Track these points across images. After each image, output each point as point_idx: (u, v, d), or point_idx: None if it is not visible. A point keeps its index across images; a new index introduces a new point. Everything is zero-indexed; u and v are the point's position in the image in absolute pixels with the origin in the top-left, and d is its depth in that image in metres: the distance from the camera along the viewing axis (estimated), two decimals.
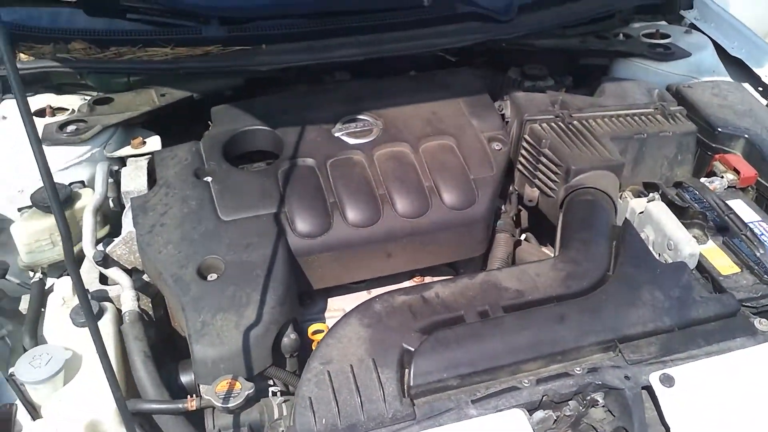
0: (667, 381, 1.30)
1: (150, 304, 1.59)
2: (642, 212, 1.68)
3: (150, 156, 1.74)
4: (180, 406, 1.27)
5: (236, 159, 1.74)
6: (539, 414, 1.27)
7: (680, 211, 1.65)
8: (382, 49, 1.93)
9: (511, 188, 1.86)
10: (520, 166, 1.87)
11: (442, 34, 1.99)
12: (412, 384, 1.27)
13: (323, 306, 1.65)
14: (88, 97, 1.89)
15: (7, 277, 1.56)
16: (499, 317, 1.37)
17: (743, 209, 1.70)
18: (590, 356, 1.36)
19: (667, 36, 2.25)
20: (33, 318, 1.45)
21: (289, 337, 1.41)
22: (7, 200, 1.66)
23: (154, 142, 1.83)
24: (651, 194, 1.72)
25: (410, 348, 1.31)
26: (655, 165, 1.86)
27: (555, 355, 1.34)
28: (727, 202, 1.70)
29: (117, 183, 1.70)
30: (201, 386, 1.32)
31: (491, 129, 1.80)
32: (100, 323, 1.38)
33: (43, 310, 1.49)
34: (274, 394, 1.35)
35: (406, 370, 1.29)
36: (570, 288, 1.44)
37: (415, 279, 1.70)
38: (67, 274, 1.59)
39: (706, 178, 1.83)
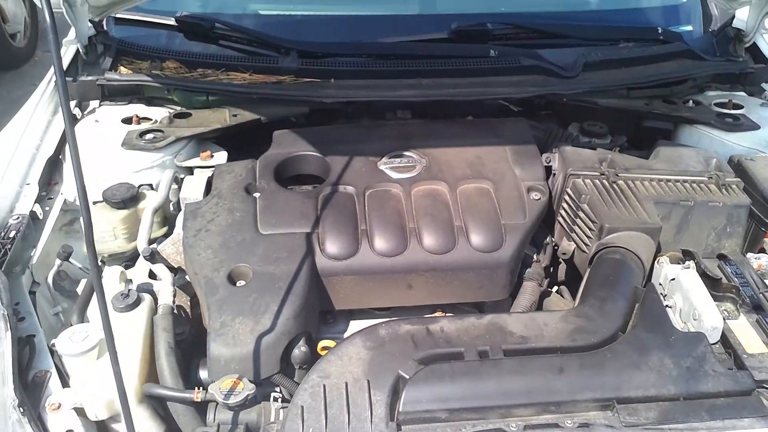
0: None
1: (189, 303, 1.73)
2: (674, 279, 1.65)
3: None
4: (187, 395, 1.38)
5: (288, 180, 1.88)
6: None
7: (713, 283, 1.61)
8: (441, 93, 2.02)
9: (548, 239, 1.88)
10: (560, 219, 1.89)
11: (503, 83, 2.07)
12: (401, 410, 1.32)
13: (344, 327, 1.73)
14: (173, 111, 2.11)
15: (71, 260, 1.75)
16: (497, 359, 1.40)
17: None
18: (585, 412, 1.35)
19: (740, 107, 2.20)
20: (83, 300, 1.62)
21: (300, 350, 1.50)
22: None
23: (221, 157, 2.01)
24: (687, 262, 1.69)
25: (405, 375, 1.37)
26: (701, 234, 1.82)
27: (548, 405, 1.34)
28: (766, 280, 1.64)
29: (180, 189, 1.88)
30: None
31: (532, 179, 1.84)
32: (135, 311, 1.54)
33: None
34: (276, 399, 1.44)
35: (399, 397, 1.35)
36: (576, 342, 1.44)
37: (436, 314, 1.75)
38: (123, 265, 1.77)
39: (752, 254, 1.77)
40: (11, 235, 1.67)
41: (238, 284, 1.57)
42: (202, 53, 2.16)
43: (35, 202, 1.79)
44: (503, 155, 1.89)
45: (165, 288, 1.62)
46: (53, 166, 1.97)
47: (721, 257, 1.75)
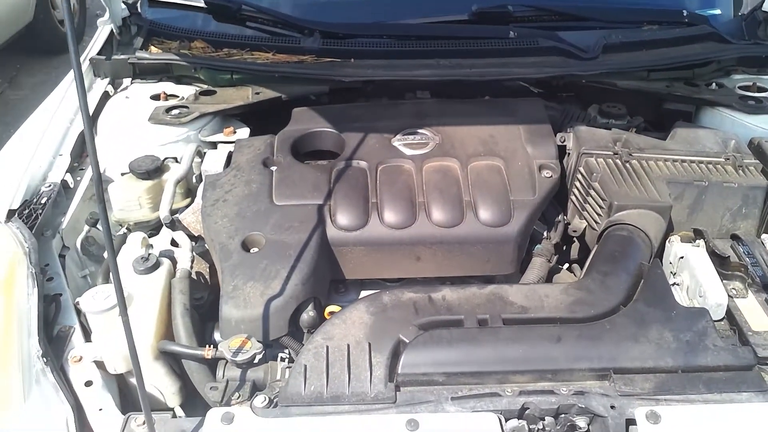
0: (653, 417, 1.28)
1: (208, 270, 1.81)
2: (683, 257, 1.66)
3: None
4: (198, 352, 1.46)
5: (305, 155, 1.94)
6: (513, 422, 1.31)
7: (722, 262, 1.61)
8: (458, 72, 2.05)
9: (559, 217, 1.89)
10: (572, 197, 1.90)
11: (521, 64, 2.08)
12: (399, 372, 1.37)
13: (355, 296, 1.77)
14: (199, 89, 2.19)
15: (98, 227, 1.85)
16: (496, 327, 1.44)
17: None
18: (582, 381, 1.37)
19: (764, 90, 2.17)
20: (107, 263, 1.71)
21: (308, 314, 1.56)
22: (114, 164, 1.97)
23: (243, 133, 2.09)
24: (697, 241, 1.68)
25: (405, 339, 1.41)
26: (716, 215, 1.81)
27: (545, 372, 1.37)
28: None
29: (202, 162, 1.96)
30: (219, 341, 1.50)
31: (544, 157, 1.85)
32: (154, 274, 1.62)
33: None
34: (283, 360, 1.50)
35: (398, 359, 1.39)
36: (575, 313, 1.46)
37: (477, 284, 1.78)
38: (148, 233, 1.86)
39: (767, 236, 1.75)
40: (43, 201, 1.77)
41: (251, 251, 1.63)
42: (228, 33, 2.24)
43: (66, 172, 1.88)
44: (516, 134, 1.91)
45: (183, 254, 1.70)
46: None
47: (734, 237, 1.74)
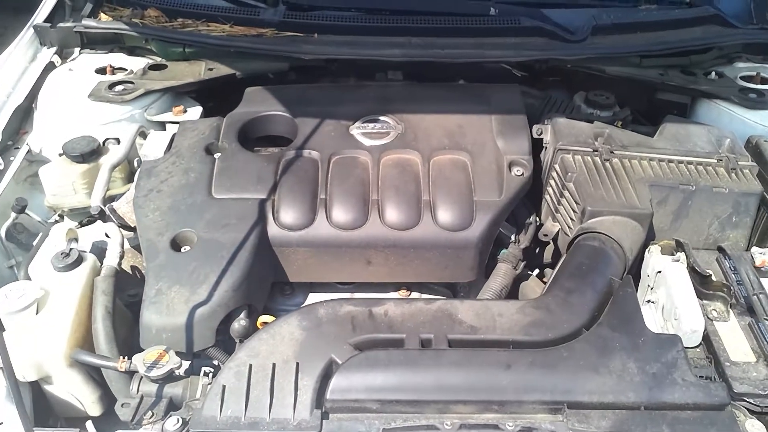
0: None
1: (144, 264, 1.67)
2: (660, 271, 1.49)
3: None
4: (111, 364, 1.32)
5: (256, 141, 1.77)
6: None
7: (703, 280, 1.44)
8: (428, 53, 1.87)
9: (531, 218, 1.73)
10: (546, 197, 1.73)
11: (500, 46, 1.89)
12: (328, 397, 1.23)
13: (302, 300, 1.64)
14: (150, 62, 2.02)
15: (29, 213, 1.70)
16: (440, 349, 1.29)
17: None
18: (531, 414, 1.23)
19: None
20: (32, 255, 1.57)
21: (240, 323, 1.42)
22: (50, 144, 1.81)
23: (195, 113, 1.92)
24: (678, 254, 1.52)
25: (338, 360, 1.27)
26: (703, 222, 1.64)
27: (491, 403, 1.23)
28: (766, 279, 1.46)
29: None
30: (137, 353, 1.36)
31: (515, 152, 1.68)
32: (75, 271, 1.48)
33: None
34: (206, 374, 1.36)
35: (329, 383, 1.25)
36: (530, 336, 1.31)
37: (400, 291, 1.64)
38: (87, 220, 1.71)
39: (758, 249, 1.58)
40: None
41: (182, 250, 1.49)
42: (183, 2, 2.05)
43: None
44: (487, 125, 1.73)
45: (111, 248, 1.55)
46: (24, 114, 1.91)
47: (720, 250, 1.57)
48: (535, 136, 1.76)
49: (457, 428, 1.20)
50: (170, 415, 1.25)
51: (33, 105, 1.94)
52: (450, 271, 1.58)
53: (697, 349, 1.37)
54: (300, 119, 1.74)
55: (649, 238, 1.62)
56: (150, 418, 1.27)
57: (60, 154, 1.79)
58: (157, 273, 1.43)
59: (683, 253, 1.51)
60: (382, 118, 1.75)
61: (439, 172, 1.62)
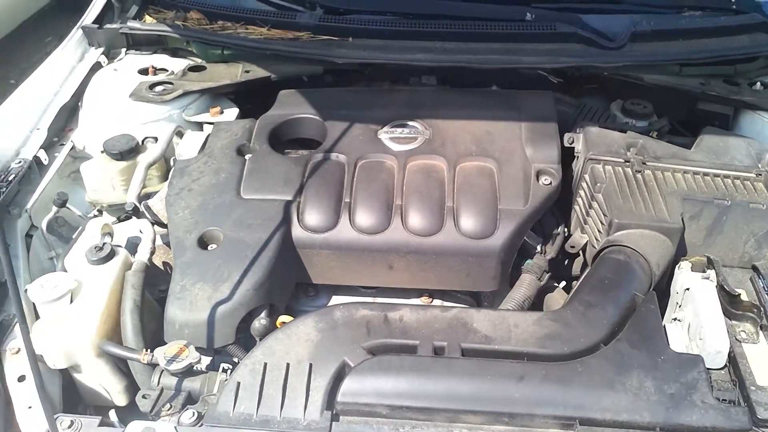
0: None
1: None
2: (688, 289, 1.45)
3: None
4: (135, 356, 1.37)
5: (287, 143, 1.80)
6: None
7: (732, 299, 1.39)
8: (458, 58, 1.86)
9: (559, 229, 1.70)
10: (576, 208, 1.70)
11: (533, 52, 1.87)
12: (339, 399, 1.24)
13: (326, 302, 1.66)
14: (190, 64, 2.08)
15: (70, 207, 1.77)
16: (452, 358, 1.28)
17: None
18: (542, 429, 1.22)
19: None
20: (69, 248, 1.64)
21: (260, 322, 1.45)
22: (93, 141, 1.89)
23: (231, 114, 1.96)
24: (708, 271, 1.47)
25: (351, 363, 1.28)
26: (738, 240, 1.58)
27: (501, 415, 1.22)
28: None
29: None
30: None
31: (544, 161, 1.66)
32: (107, 265, 1.53)
33: None
34: (225, 371, 1.40)
35: (340, 385, 1.26)
36: (546, 348, 1.30)
37: (422, 298, 1.64)
38: (125, 217, 1.77)
39: None
40: (10, 178, 1.71)
41: (209, 248, 1.53)
42: (224, 5, 2.10)
43: (41, 148, 1.81)
44: (516, 132, 1.71)
45: (143, 244, 1.60)
46: (71, 112, 1.99)
47: (755, 269, 1.52)
48: (566, 144, 1.73)
49: None
50: (187, 409, 1.29)
51: (79, 103, 2.02)
52: (472, 279, 1.57)
53: (722, 372, 1.32)
54: (330, 122, 1.76)
55: (681, 253, 1.57)
56: (168, 410, 1.31)
57: (101, 152, 1.86)
58: (183, 270, 1.47)
59: (713, 270, 1.47)
60: (410, 123, 1.75)
61: (464, 179, 1.61)
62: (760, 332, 1.37)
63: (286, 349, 1.31)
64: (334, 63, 1.91)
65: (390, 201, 1.57)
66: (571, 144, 1.73)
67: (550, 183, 1.63)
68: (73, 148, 1.90)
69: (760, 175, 1.62)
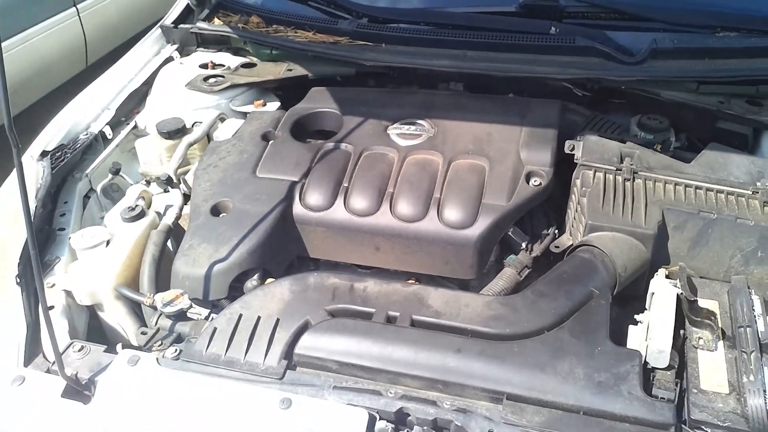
0: None
1: None
2: (653, 293, 1.47)
3: None
4: (140, 298, 1.59)
5: (310, 133, 1.99)
6: (381, 424, 1.28)
7: (691, 305, 1.41)
8: (478, 66, 1.97)
9: (550, 230, 1.76)
10: (568, 212, 1.76)
11: (549, 63, 1.94)
12: (296, 351, 1.40)
13: None
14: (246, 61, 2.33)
15: (123, 176, 2.06)
16: (401, 327, 1.40)
17: None
18: (472, 399, 1.30)
19: None
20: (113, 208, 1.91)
21: (252, 283, 1.63)
22: (152, 122, 2.17)
23: (273, 107, 2.19)
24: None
25: (312, 322, 1.43)
26: (723, 254, 1.58)
27: (436, 382, 1.32)
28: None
29: None
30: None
31: (536, 163, 1.73)
32: (136, 223, 1.78)
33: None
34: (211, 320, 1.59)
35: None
36: (489, 328, 1.38)
37: (408, 282, 1.76)
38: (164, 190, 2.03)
39: None
40: (77, 147, 2.01)
41: (221, 216, 1.73)
42: (279, 11, 2.33)
43: (107, 124, 2.12)
44: (515, 135, 1.80)
45: (171, 210, 1.84)
46: (141, 97, 2.29)
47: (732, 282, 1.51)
48: (566, 151, 1.79)
49: (398, 397, 1.31)
50: (172, 345, 1.49)
51: (148, 90, 2.32)
52: (451, 267, 1.67)
53: (668, 372, 1.34)
54: (347, 117, 1.93)
55: (663, 262, 1.60)
56: (159, 346, 1.52)
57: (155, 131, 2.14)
58: (194, 231, 1.69)
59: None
60: (419, 121, 1.89)
61: (455, 174, 1.72)
62: (720, 341, 1.38)
63: (261, 305, 1.48)
64: (363, 65, 2.08)
65: (383, 188, 1.71)
66: (571, 151, 1.79)
67: (539, 184, 1.70)
68: (135, 127, 2.19)
69: (756, 193, 1.61)
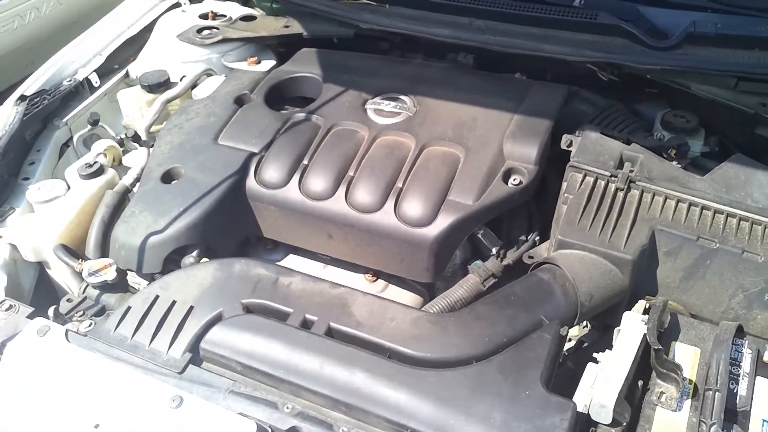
0: None
1: None
2: (621, 330, 1.25)
3: None
4: (71, 263, 1.51)
5: (290, 99, 1.83)
6: None
7: (657, 354, 1.17)
8: (478, 39, 1.72)
9: (530, 237, 1.54)
10: (555, 216, 1.53)
11: (561, 41, 1.67)
12: (201, 345, 1.28)
13: (281, 257, 1.68)
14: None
15: (105, 127, 1.98)
16: (314, 334, 1.25)
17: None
18: (374, 428, 1.15)
19: None
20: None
21: (189, 260, 1.51)
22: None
23: (267, 66, 2.03)
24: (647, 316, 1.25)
25: (224, 315, 1.31)
26: (723, 291, 1.32)
27: (339, 403, 1.17)
28: (758, 376, 1.14)
29: None
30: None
31: (519, 159, 1.50)
32: (92, 181, 1.70)
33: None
34: None
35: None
36: (410, 349, 1.21)
37: (366, 276, 1.60)
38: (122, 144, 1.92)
39: None
40: (58, 93, 1.94)
41: (172, 183, 1.62)
42: None
43: (93, 71, 2.03)
44: (504, 123, 1.57)
45: (132, 170, 1.74)
46: (141, 45, 2.19)
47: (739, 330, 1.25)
48: (563, 147, 1.55)
49: (293, 414, 1.17)
50: (89, 319, 1.41)
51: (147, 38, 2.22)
52: (406, 267, 1.49)
53: (613, 429, 1.13)
54: (327, 84, 1.75)
55: (647, 291, 1.36)
56: (79, 316, 1.44)
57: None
58: (140, 197, 1.58)
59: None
60: (402, 97, 1.68)
61: (424, 162, 1.52)
62: (688, 401, 1.15)
63: (180, 288, 1.37)
64: (358, 27, 1.88)
65: (343, 171, 1.54)
66: (568, 147, 1.55)
67: (519, 183, 1.48)
68: (127, 76, 2.10)
69: None
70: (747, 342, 1.23)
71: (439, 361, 1.19)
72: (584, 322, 1.50)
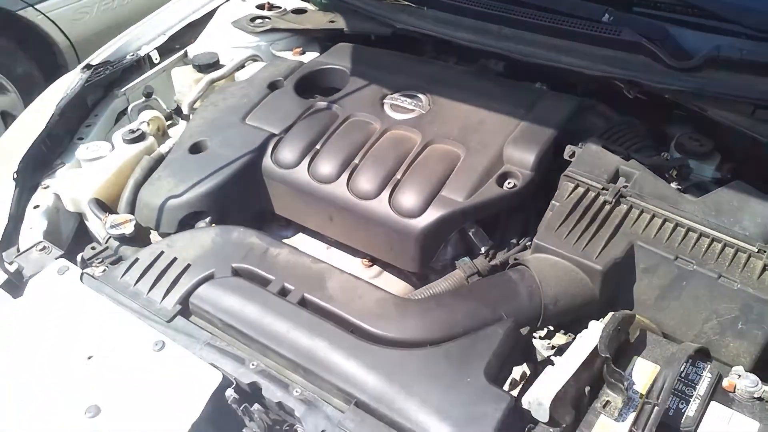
0: None
1: None
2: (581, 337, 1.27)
3: None
4: (99, 215, 1.68)
5: (321, 89, 1.94)
6: (230, 391, 1.26)
7: (607, 364, 1.19)
8: (500, 45, 1.77)
9: (522, 240, 1.57)
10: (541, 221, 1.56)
11: (580, 54, 1.68)
12: (190, 300, 1.41)
13: (291, 234, 1.79)
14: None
15: (158, 99, 2.16)
16: (288, 302, 1.35)
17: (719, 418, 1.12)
18: (327, 393, 1.24)
19: None
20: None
21: (201, 224, 1.64)
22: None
23: (310, 57, 2.15)
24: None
25: (215, 275, 1.43)
26: (696, 314, 1.32)
27: (298, 366, 1.27)
28: (712, 401, 1.14)
29: None
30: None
31: (516, 164, 1.54)
32: (133, 146, 1.86)
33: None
34: None
35: None
36: (371, 326, 1.28)
37: (363, 261, 1.68)
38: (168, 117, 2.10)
39: (742, 369, 1.21)
40: (120, 65, 2.14)
41: (197, 155, 1.76)
42: None
43: (155, 49, 2.22)
44: (508, 129, 1.61)
45: (170, 140, 1.91)
46: (198, 29, 2.36)
47: (700, 353, 1.25)
48: (565, 157, 1.58)
49: (256, 371, 1.28)
50: (105, 265, 1.57)
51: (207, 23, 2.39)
52: (395, 254, 1.57)
53: (551, 429, 1.16)
54: (353, 78, 1.85)
55: (621, 305, 1.37)
56: (99, 263, 1.60)
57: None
58: (168, 164, 1.74)
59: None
60: (419, 95, 1.75)
61: (425, 158, 1.59)
62: (631, 413, 1.16)
63: (183, 246, 1.50)
64: (393, 27, 1.96)
65: (350, 159, 1.63)
66: (570, 158, 1.57)
67: (513, 186, 1.52)
68: (186, 56, 2.28)
69: (763, 252, 1.30)
70: (709, 366, 1.22)
71: (395, 340, 1.26)
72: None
